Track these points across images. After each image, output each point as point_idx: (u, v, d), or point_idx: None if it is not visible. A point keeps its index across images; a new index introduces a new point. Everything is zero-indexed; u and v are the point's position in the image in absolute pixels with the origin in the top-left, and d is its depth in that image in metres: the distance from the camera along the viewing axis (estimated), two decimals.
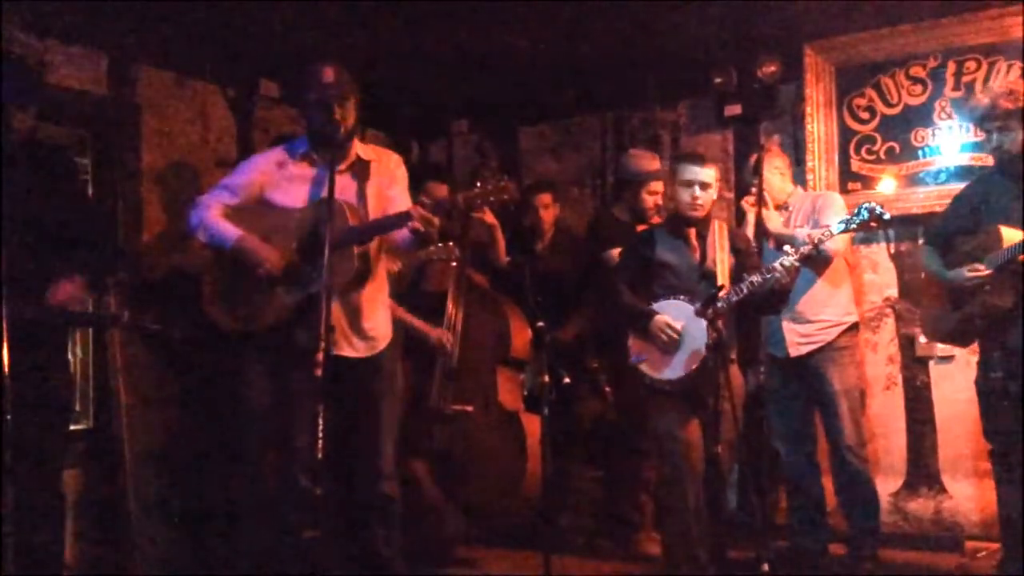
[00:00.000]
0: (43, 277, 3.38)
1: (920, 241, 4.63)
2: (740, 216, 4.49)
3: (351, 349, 3.52)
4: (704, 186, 3.88)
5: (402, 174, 3.65)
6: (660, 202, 4.83)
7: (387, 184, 3.57)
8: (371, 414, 3.56)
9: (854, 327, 4.43)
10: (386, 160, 3.64)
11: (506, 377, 4.79)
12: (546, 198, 5.19)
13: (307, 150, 3.57)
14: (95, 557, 4.13)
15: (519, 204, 5.32)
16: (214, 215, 3.52)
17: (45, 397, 3.43)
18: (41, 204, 3.43)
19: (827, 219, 4.23)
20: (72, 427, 3.97)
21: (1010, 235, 3.58)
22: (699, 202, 3.88)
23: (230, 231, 3.47)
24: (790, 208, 4.50)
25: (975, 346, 4.02)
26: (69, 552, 3.79)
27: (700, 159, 3.94)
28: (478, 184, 3.27)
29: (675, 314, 3.81)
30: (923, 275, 4.13)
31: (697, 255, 3.93)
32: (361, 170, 3.56)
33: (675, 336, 3.77)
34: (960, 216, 3.90)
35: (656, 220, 4.70)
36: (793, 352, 4.33)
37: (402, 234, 3.36)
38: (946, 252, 3.89)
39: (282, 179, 3.56)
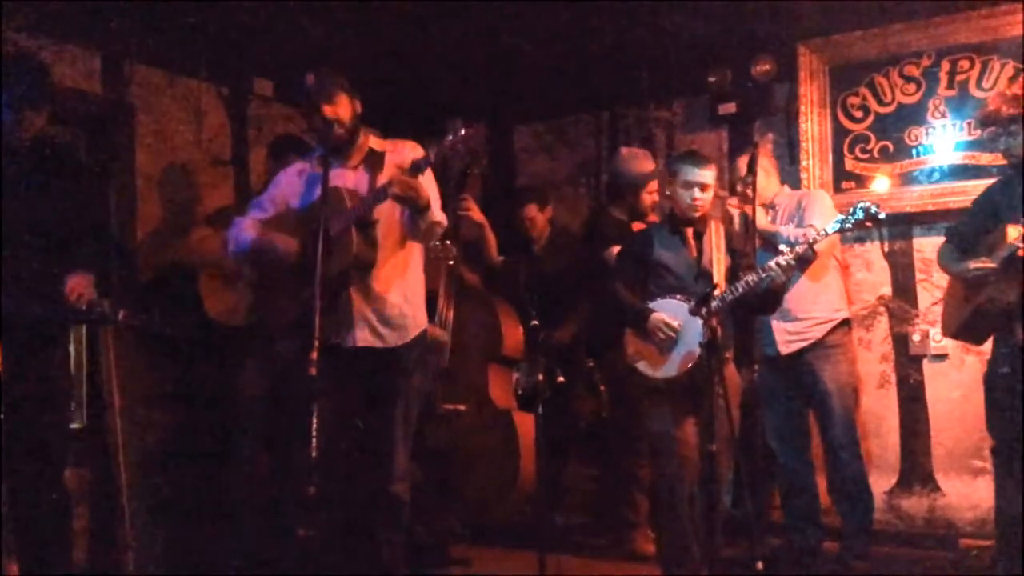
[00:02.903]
0: (48, 276, 3.41)
1: (913, 238, 4.65)
2: (728, 219, 4.49)
3: (376, 338, 3.50)
4: (704, 187, 3.85)
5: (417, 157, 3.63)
6: (657, 199, 4.83)
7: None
8: (386, 412, 3.54)
9: (845, 324, 4.44)
10: (401, 148, 3.62)
11: (498, 375, 4.79)
12: (531, 210, 5.14)
13: (322, 154, 3.58)
14: (90, 556, 4.13)
15: (510, 209, 5.32)
16: (242, 229, 3.60)
17: (48, 395, 3.44)
18: (49, 203, 3.49)
19: (812, 217, 4.25)
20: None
21: (1014, 232, 3.61)
22: (699, 203, 3.86)
23: (248, 235, 3.55)
24: (776, 207, 4.51)
25: (971, 346, 4.04)
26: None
27: (701, 160, 3.90)
28: (448, 137, 3.26)
29: (672, 313, 3.81)
30: (945, 272, 4.14)
31: (694, 254, 3.94)
32: (374, 162, 3.57)
33: (672, 334, 3.77)
34: (980, 216, 3.91)
35: (653, 218, 4.70)
36: (784, 350, 4.34)
37: (405, 213, 3.39)
38: (966, 251, 3.89)
39: (301, 185, 3.62)
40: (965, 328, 3.94)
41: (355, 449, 3.53)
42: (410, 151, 3.61)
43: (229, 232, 3.66)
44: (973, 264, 3.72)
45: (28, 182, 3.43)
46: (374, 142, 3.62)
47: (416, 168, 3.28)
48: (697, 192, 3.84)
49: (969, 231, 3.93)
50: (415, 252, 3.66)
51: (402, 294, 3.58)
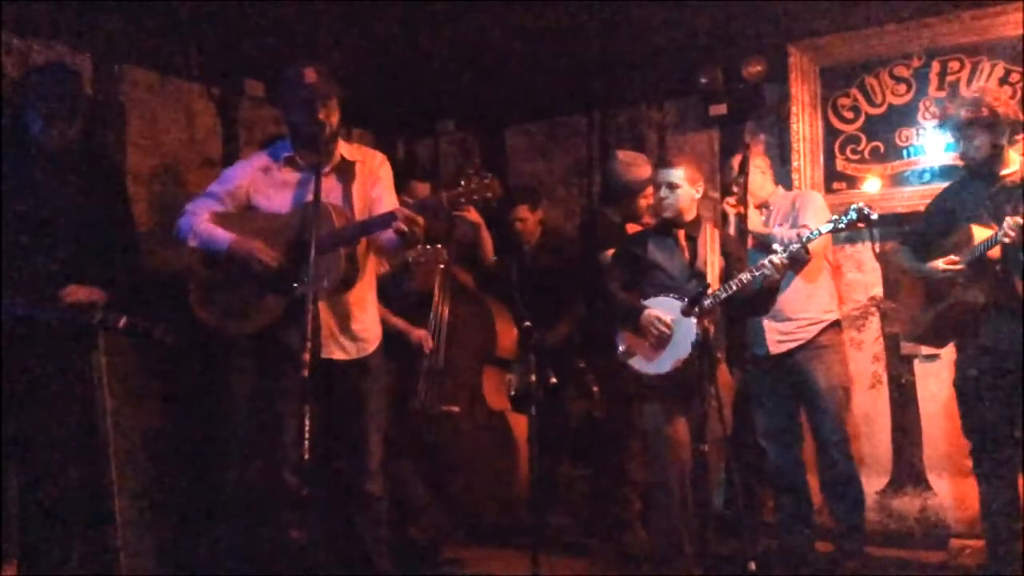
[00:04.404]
0: (65, 280, 3.40)
1: (896, 242, 4.68)
2: (723, 219, 4.51)
3: (341, 352, 3.51)
4: (671, 186, 3.97)
5: (386, 173, 3.62)
6: (652, 202, 4.84)
7: (371, 184, 3.56)
8: (358, 413, 3.56)
9: (836, 324, 4.45)
10: (371, 160, 3.62)
11: (492, 376, 4.79)
12: (523, 211, 5.14)
13: (291, 153, 3.54)
14: (81, 557, 4.11)
15: (501, 210, 5.31)
16: (203, 221, 3.51)
17: (51, 396, 3.43)
18: (69, 207, 3.49)
19: (806, 218, 4.26)
20: None
21: (981, 233, 3.66)
22: (666, 201, 3.98)
23: (222, 235, 3.46)
24: (770, 207, 4.52)
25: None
26: None
27: (667, 161, 4.13)
28: (462, 183, 3.24)
29: (665, 310, 3.85)
30: (901, 275, 4.18)
31: (687, 256, 3.97)
32: (346, 171, 3.54)
33: (665, 330, 3.80)
34: (936, 218, 3.97)
35: (648, 220, 4.72)
36: (774, 350, 4.35)
37: (388, 235, 3.33)
38: (923, 253, 3.93)
39: (267, 184, 3.54)
40: (929, 332, 3.98)
41: (330, 452, 3.54)
42: (379, 164, 3.62)
43: (182, 220, 3.54)
44: (943, 265, 3.75)
45: (55, 186, 3.44)
46: (344, 148, 3.58)
47: (424, 207, 3.26)
48: (663, 191, 3.99)
49: (926, 234, 3.97)
50: (372, 265, 3.68)
51: (367, 309, 3.59)
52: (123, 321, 3.45)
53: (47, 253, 3.44)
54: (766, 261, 3.67)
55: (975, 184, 3.85)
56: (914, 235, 4.06)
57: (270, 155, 3.61)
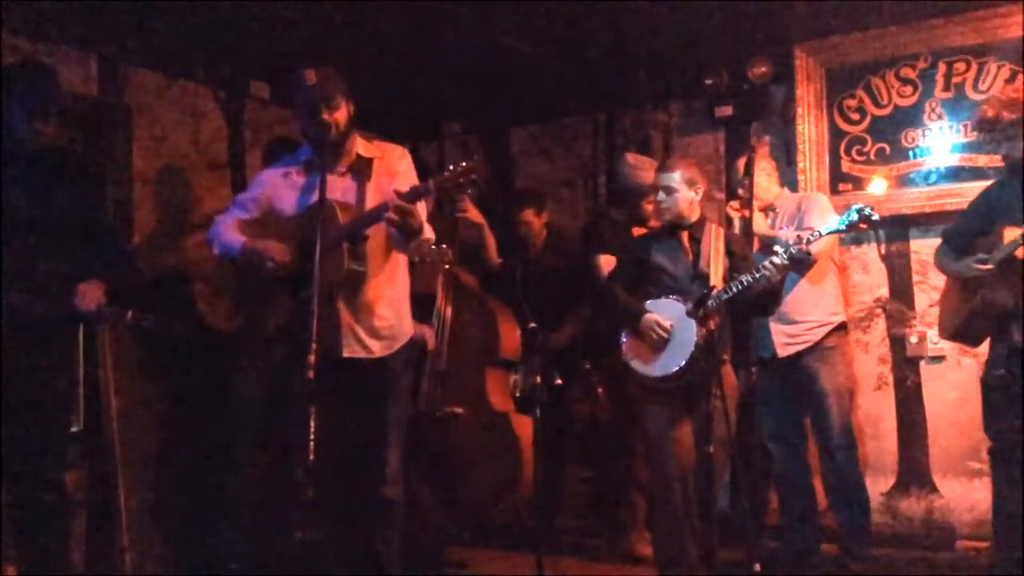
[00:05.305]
0: (56, 277, 3.41)
1: (910, 240, 4.69)
2: (728, 222, 4.51)
3: (363, 349, 3.48)
4: (667, 190, 3.97)
5: (405, 166, 3.59)
6: None
7: (389, 180, 3.53)
8: (377, 417, 3.53)
9: (842, 327, 4.44)
10: (389, 155, 3.60)
11: (495, 378, 4.78)
12: (528, 214, 5.15)
13: (309, 157, 3.56)
14: (87, 558, 4.13)
15: (507, 213, 5.32)
16: (227, 229, 3.55)
17: (48, 396, 3.44)
18: (58, 206, 3.48)
19: (812, 220, 4.26)
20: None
21: (1011, 234, 3.65)
22: (663, 206, 4.00)
23: (236, 239, 3.49)
24: (776, 209, 4.52)
25: (967, 348, 4.06)
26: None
27: (663, 165, 4.10)
28: (450, 167, 3.24)
29: (666, 313, 3.86)
30: (942, 272, 4.17)
31: (690, 258, 3.97)
32: (363, 169, 3.53)
33: (663, 334, 3.81)
34: (976, 217, 3.95)
35: (654, 223, 4.72)
36: (781, 352, 4.35)
37: (391, 229, 3.32)
38: (963, 252, 3.92)
39: (286, 188, 3.56)
40: (962, 330, 3.97)
41: (348, 454, 3.53)
42: (398, 157, 3.60)
43: (211, 232, 3.59)
44: (973, 263, 3.76)
45: (38, 186, 3.45)
46: (361, 146, 3.57)
47: (414, 195, 3.24)
48: (660, 195, 4.00)
49: (965, 232, 3.96)
50: (400, 261, 3.65)
51: (390, 305, 3.56)
52: (130, 315, 3.46)
53: (37, 253, 3.43)
54: (767, 263, 3.66)
55: (1014, 184, 3.82)
56: (954, 234, 4.05)
57: (292, 160, 3.63)
